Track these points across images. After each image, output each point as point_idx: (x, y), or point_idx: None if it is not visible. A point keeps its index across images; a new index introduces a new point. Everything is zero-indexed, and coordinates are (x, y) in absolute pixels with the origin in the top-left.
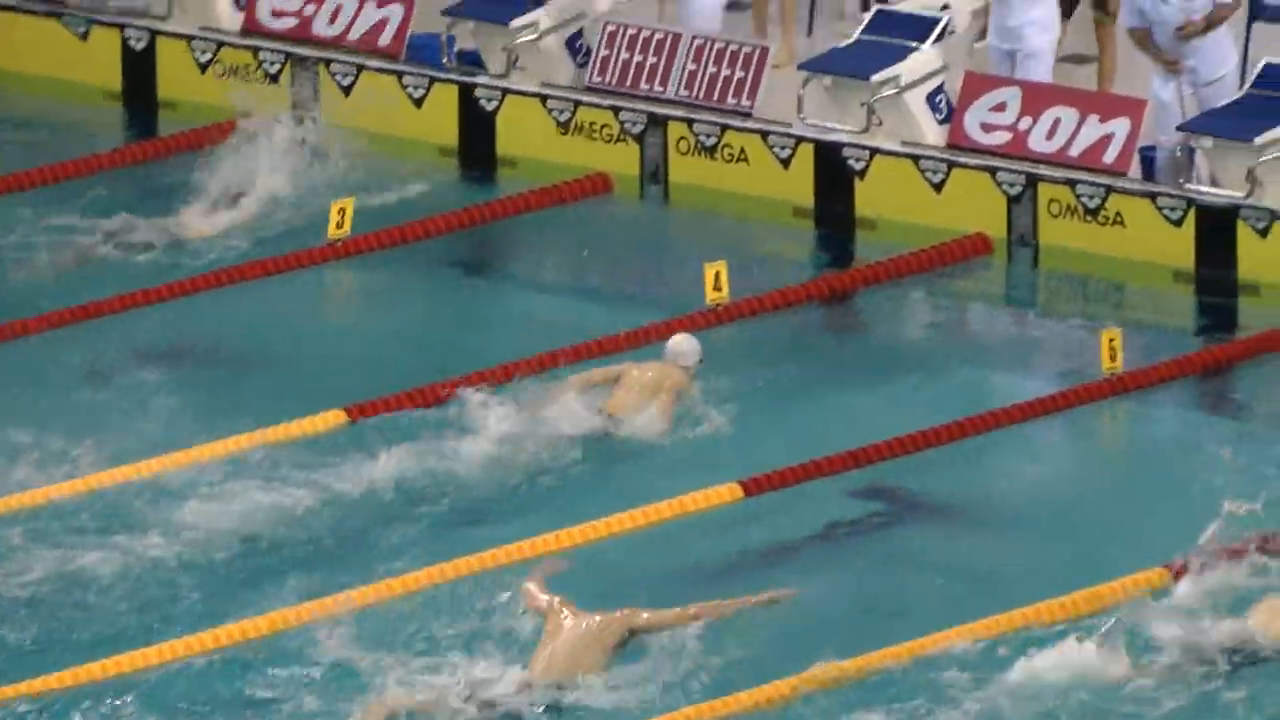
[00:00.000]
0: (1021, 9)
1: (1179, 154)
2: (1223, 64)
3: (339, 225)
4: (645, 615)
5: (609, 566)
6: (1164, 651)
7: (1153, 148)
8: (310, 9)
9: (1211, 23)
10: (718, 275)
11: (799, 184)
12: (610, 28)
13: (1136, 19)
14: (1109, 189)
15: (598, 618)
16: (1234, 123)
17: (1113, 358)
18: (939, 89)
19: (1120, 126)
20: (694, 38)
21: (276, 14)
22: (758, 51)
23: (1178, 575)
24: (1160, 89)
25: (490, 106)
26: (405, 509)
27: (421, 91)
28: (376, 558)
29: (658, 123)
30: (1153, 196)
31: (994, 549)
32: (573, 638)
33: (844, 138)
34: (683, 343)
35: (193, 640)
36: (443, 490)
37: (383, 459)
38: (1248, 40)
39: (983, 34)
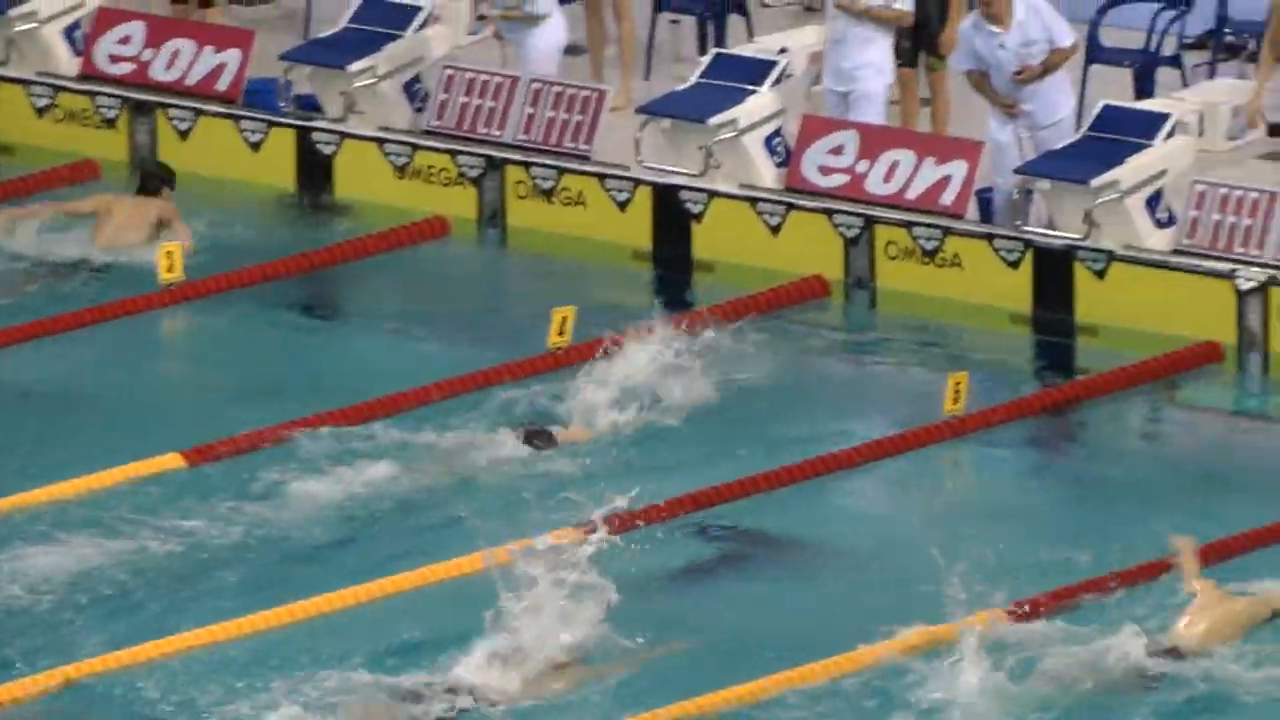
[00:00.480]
0: (856, 52)
1: (1016, 196)
2: (1060, 107)
3: (169, 269)
4: None
5: (461, 605)
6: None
7: (990, 190)
8: (148, 54)
9: (1048, 67)
10: (564, 320)
11: (637, 227)
12: (448, 72)
13: (972, 62)
14: (946, 231)
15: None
16: (1071, 165)
17: (955, 400)
18: (776, 132)
19: (957, 169)
20: (532, 82)
21: (114, 59)
22: (595, 95)
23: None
24: (998, 132)
25: (328, 150)
26: (242, 552)
27: (259, 136)
28: (211, 600)
29: (495, 166)
30: (990, 238)
31: (834, 590)
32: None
33: (682, 180)
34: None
35: (13, 686)
36: (281, 533)
37: (220, 502)
38: (1084, 83)
39: (819, 77)
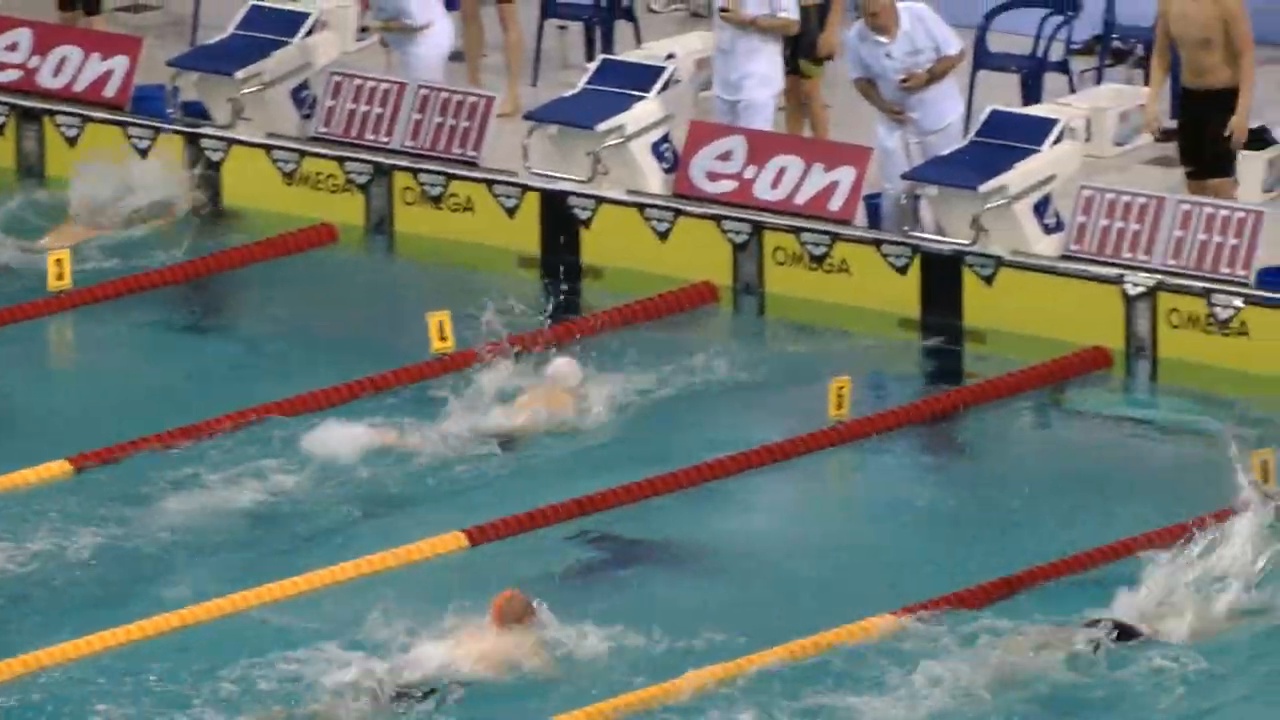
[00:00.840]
0: (742, 62)
1: (904, 202)
2: (948, 113)
3: (59, 277)
4: None
5: (327, 614)
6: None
7: (878, 196)
8: (35, 61)
9: (935, 75)
10: (441, 325)
11: (525, 233)
12: (335, 78)
13: (860, 70)
14: (834, 237)
15: None
16: (959, 170)
17: (839, 406)
18: (664, 138)
19: (845, 175)
20: (419, 88)
21: (1, 66)
22: (483, 101)
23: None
24: (885, 138)
25: (216, 157)
26: (129, 559)
27: (147, 143)
28: (92, 610)
29: (383, 172)
30: (878, 244)
31: (719, 596)
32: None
33: (570, 187)
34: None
35: None
36: (171, 538)
37: (106, 508)
38: (972, 88)
39: (708, 84)
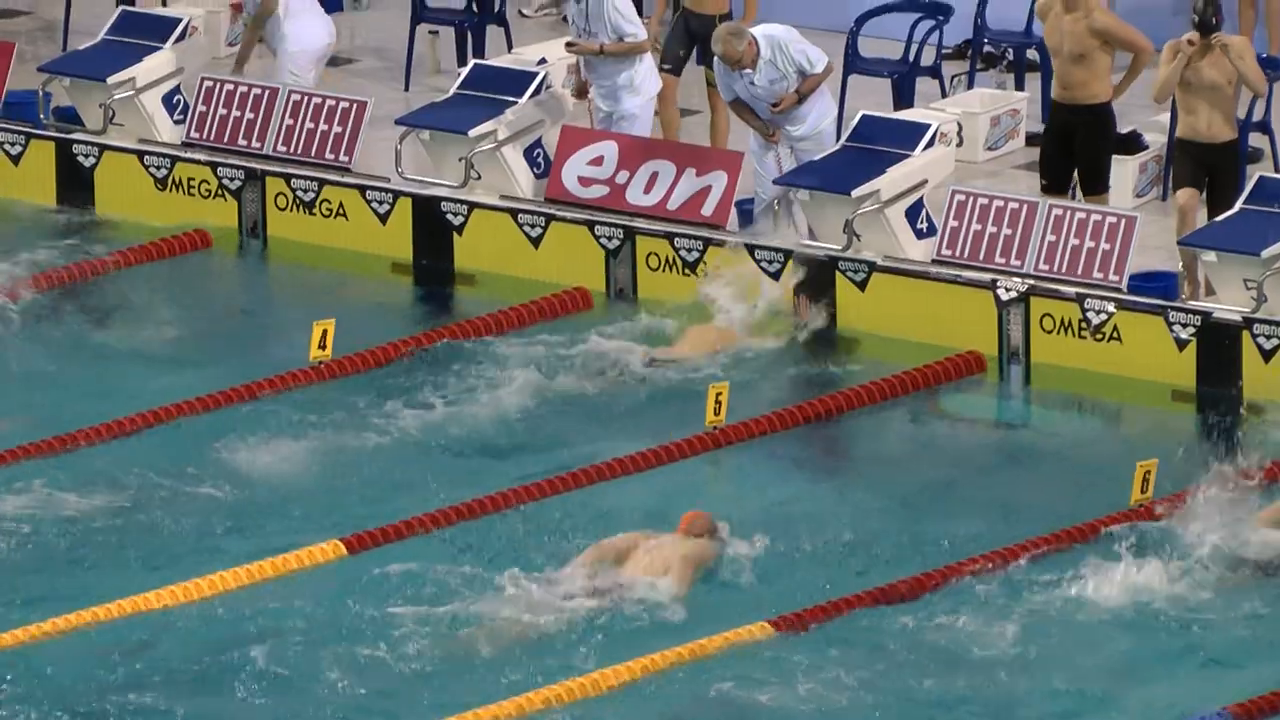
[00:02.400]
0: (608, 75)
1: (777, 208)
2: (820, 119)
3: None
4: None
5: (214, 627)
6: None
7: (750, 201)
8: None
9: (803, 94)
10: (325, 333)
11: (398, 239)
12: (207, 83)
13: (730, 94)
14: (707, 242)
15: None
16: (831, 175)
17: (717, 411)
18: (537, 143)
19: (717, 180)
20: (291, 93)
21: None
22: (355, 106)
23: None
24: (757, 144)
25: (88, 163)
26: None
27: (19, 149)
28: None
29: (256, 178)
30: (751, 250)
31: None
32: None
33: (442, 192)
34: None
35: None
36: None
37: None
38: (844, 93)
39: (584, 89)
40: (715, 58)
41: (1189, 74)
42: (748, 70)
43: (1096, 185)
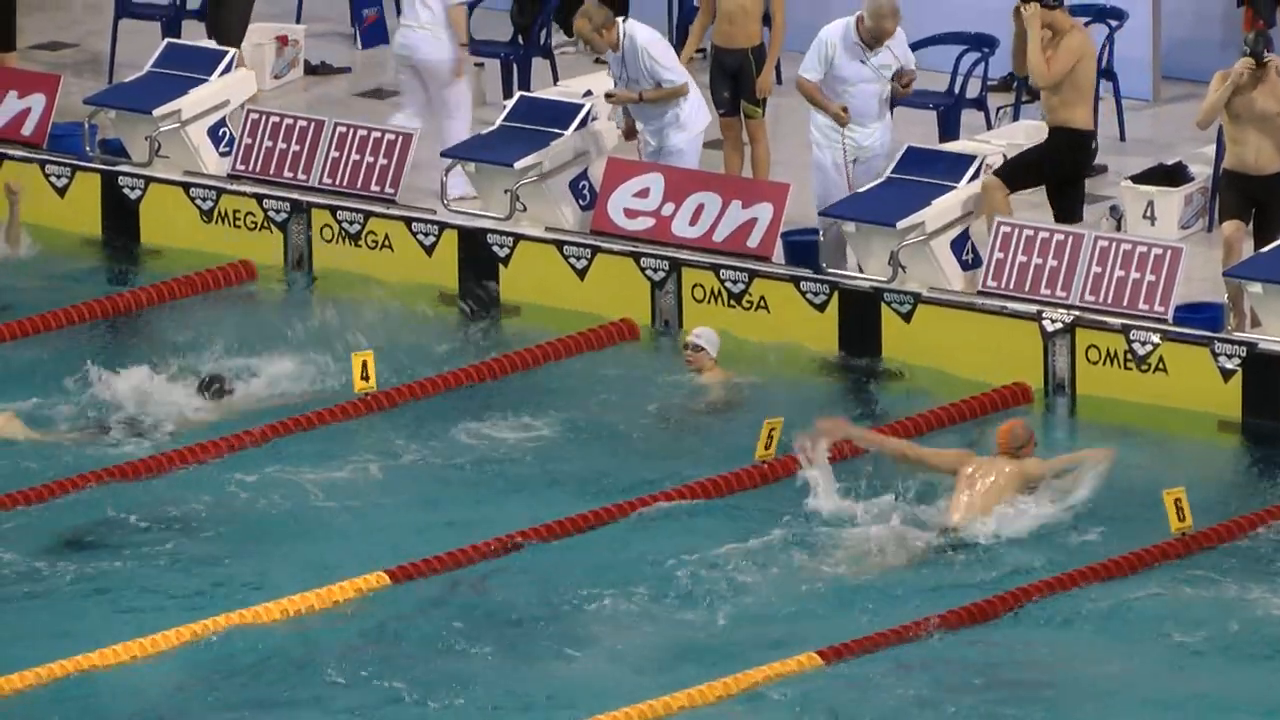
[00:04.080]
0: (651, 114)
1: (824, 237)
2: (886, 138)
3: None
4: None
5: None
6: None
7: (796, 233)
8: None
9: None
10: (365, 364)
11: (444, 271)
12: (253, 115)
13: (823, 72)
14: (753, 274)
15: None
16: (877, 207)
17: (768, 446)
18: (583, 174)
19: (763, 212)
20: (336, 125)
21: None
22: (400, 138)
23: None
24: (821, 155)
25: (134, 195)
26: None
27: (65, 180)
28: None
29: (301, 210)
30: (796, 281)
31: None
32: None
33: (488, 224)
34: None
35: None
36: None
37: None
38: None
39: (632, 129)
40: (840, 32)
41: (1239, 104)
42: (867, 52)
43: (1068, 214)
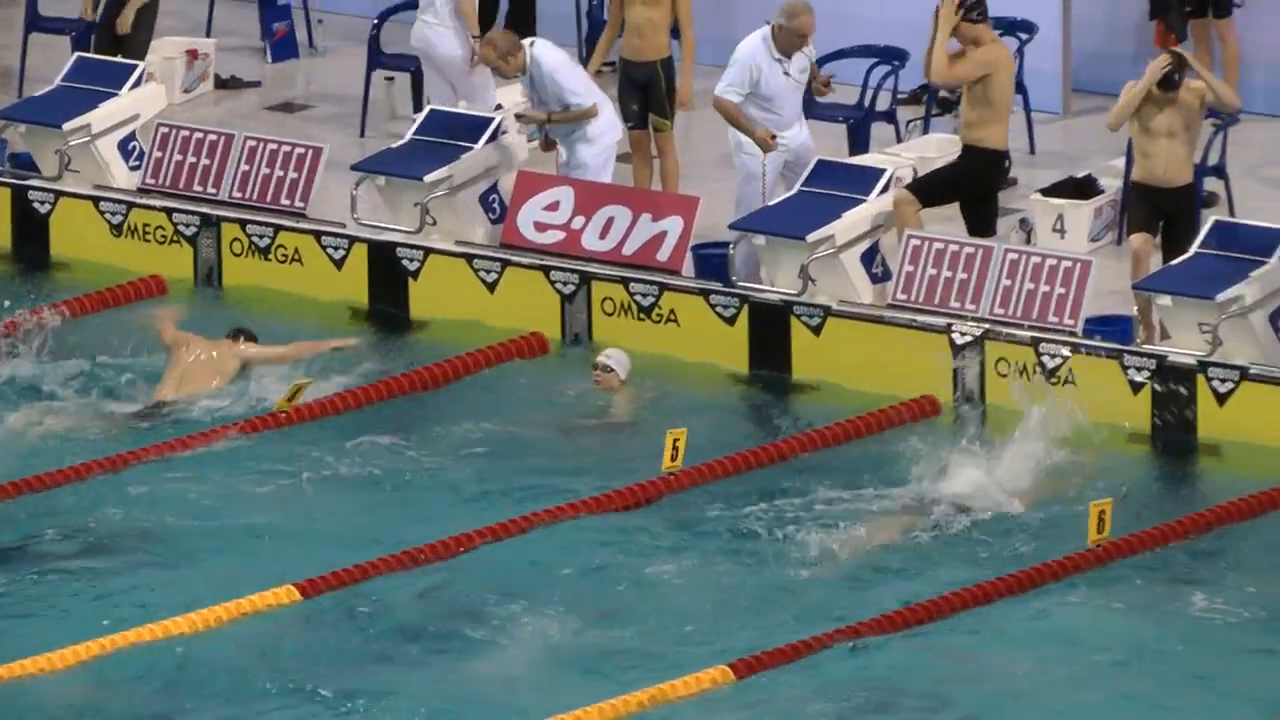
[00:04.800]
0: (569, 128)
1: (733, 250)
2: (806, 134)
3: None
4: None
5: (167, 665)
6: None
7: (705, 246)
8: None
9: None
10: (299, 390)
11: (353, 284)
12: (163, 129)
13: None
14: (663, 287)
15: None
16: (787, 220)
17: (674, 457)
18: (493, 188)
19: (673, 225)
20: (246, 139)
21: None
22: (311, 152)
23: None
24: (754, 165)
25: (44, 209)
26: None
27: None
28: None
29: (211, 224)
30: (706, 294)
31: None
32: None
33: (398, 238)
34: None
35: None
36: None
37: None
38: None
39: (552, 141)
40: (758, 47)
41: (1150, 117)
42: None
43: (983, 228)
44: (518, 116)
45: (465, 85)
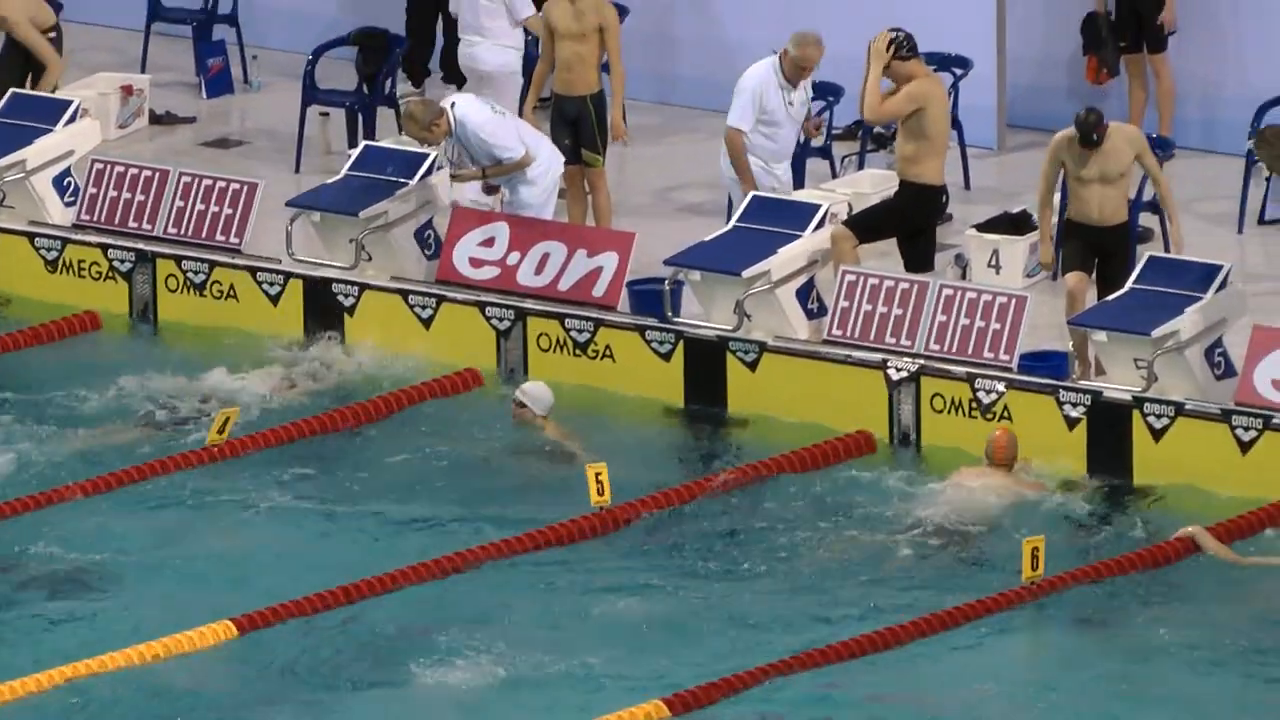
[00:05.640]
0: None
1: (668, 286)
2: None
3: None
4: None
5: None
6: None
7: (641, 281)
8: None
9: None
10: (226, 420)
11: (289, 320)
12: (98, 165)
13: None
14: (598, 323)
15: None
16: (722, 256)
17: (601, 492)
18: (428, 224)
19: (608, 261)
20: (182, 174)
21: None
22: (246, 188)
23: None
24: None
25: None
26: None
27: None
28: None
29: (146, 260)
30: (641, 330)
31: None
32: None
33: (333, 274)
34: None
35: None
36: None
37: None
38: None
39: (491, 188)
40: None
41: (1080, 167)
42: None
43: (923, 266)
44: (453, 176)
45: (506, 98)
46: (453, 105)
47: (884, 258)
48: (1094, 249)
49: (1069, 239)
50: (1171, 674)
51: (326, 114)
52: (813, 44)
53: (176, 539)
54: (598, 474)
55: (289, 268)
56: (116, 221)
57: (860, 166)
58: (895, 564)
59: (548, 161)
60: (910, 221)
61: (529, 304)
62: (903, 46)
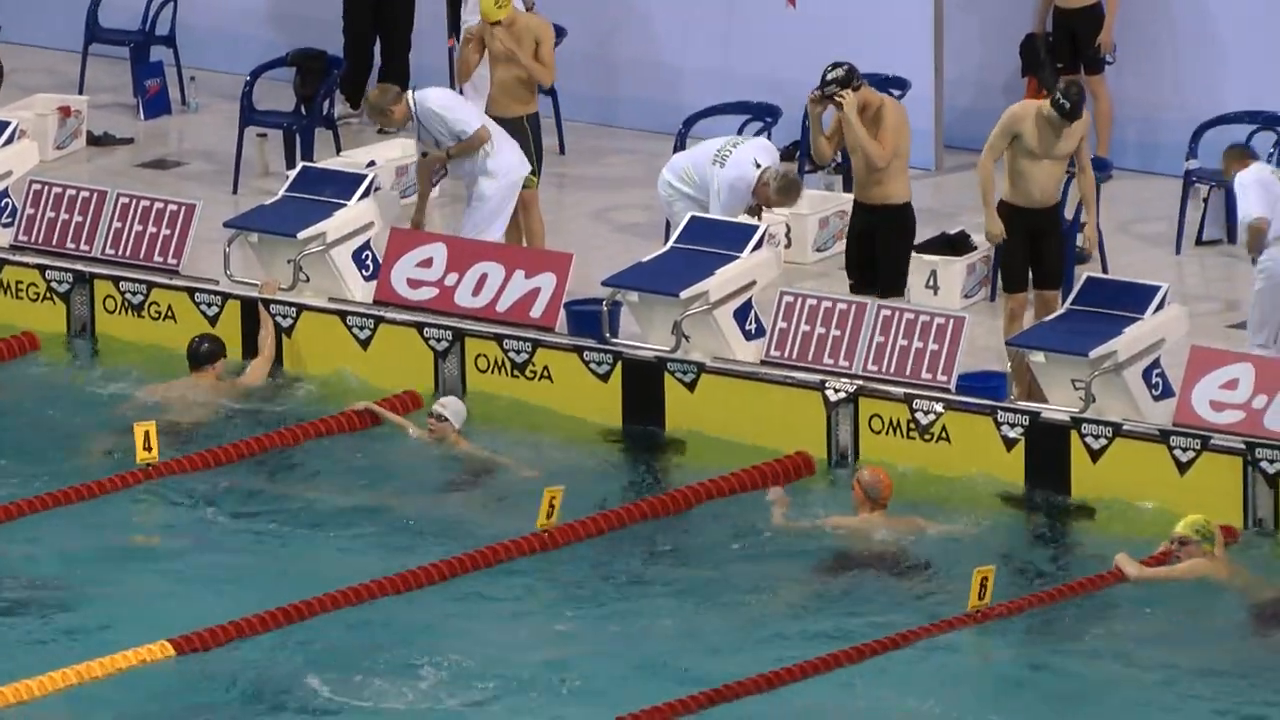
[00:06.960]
0: (470, 164)
1: (606, 308)
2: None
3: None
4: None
5: None
6: None
7: (579, 302)
8: None
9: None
10: (147, 435)
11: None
12: (36, 186)
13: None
14: (536, 344)
15: None
16: (660, 277)
17: (549, 515)
18: (366, 245)
19: (546, 282)
20: (119, 195)
21: None
22: (184, 209)
23: None
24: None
25: None
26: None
27: None
28: None
29: (84, 281)
30: (579, 351)
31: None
32: None
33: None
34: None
35: None
36: None
37: None
38: None
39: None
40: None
41: (1039, 143)
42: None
43: (893, 288)
44: (423, 155)
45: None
46: (413, 89)
47: (820, 279)
48: (1028, 234)
49: (1007, 233)
50: (1110, 693)
51: (264, 135)
52: (792, 190)
53: (113, 559)
54: (553, 498)
55: (227, 289)
56: (54, 242)
57: None
58: (836, 589)
59: (511, 159)
60: (891, 243)
61: (467, 325)
62: (847, 84)
